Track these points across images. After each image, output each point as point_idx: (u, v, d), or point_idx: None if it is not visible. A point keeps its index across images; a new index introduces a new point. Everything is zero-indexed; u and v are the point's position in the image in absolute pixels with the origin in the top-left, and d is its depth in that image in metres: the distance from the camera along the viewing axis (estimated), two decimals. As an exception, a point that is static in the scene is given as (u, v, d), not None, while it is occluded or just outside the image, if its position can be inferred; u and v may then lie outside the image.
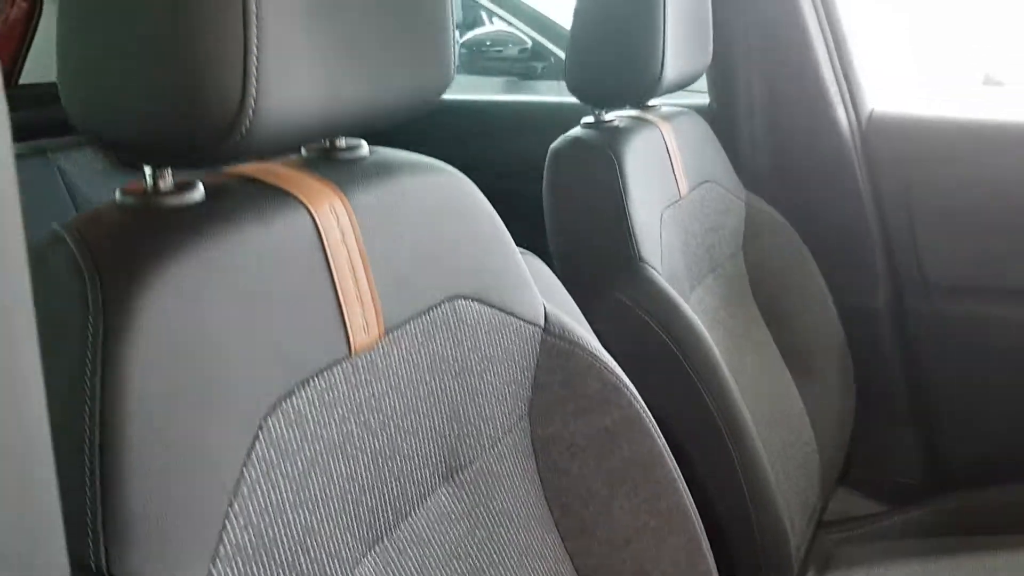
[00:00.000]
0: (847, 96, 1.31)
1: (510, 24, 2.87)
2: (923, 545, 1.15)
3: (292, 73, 0.46)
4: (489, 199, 0.67)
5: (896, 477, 1.33)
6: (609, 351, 0.73)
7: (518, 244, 0.70)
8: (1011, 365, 1.26)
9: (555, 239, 1.01)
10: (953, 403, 1.30)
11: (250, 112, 0.44)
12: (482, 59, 2.92)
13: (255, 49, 0.43)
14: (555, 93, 2.69)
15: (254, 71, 0.43)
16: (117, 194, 0.49)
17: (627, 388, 0.70)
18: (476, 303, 0.63)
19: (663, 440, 0.71)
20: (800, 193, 1.31)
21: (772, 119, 1.32)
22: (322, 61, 0.48)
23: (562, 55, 2.76)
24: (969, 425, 1.29)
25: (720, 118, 1.31)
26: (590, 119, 1.05)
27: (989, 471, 1.22)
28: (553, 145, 1.02)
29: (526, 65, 2.85)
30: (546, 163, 1.02)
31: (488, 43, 2.94)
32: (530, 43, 2.83)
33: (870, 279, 1.32)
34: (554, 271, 0.79)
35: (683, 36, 1.06)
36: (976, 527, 1.15)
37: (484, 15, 3.05)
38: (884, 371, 1.32)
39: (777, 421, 1.11)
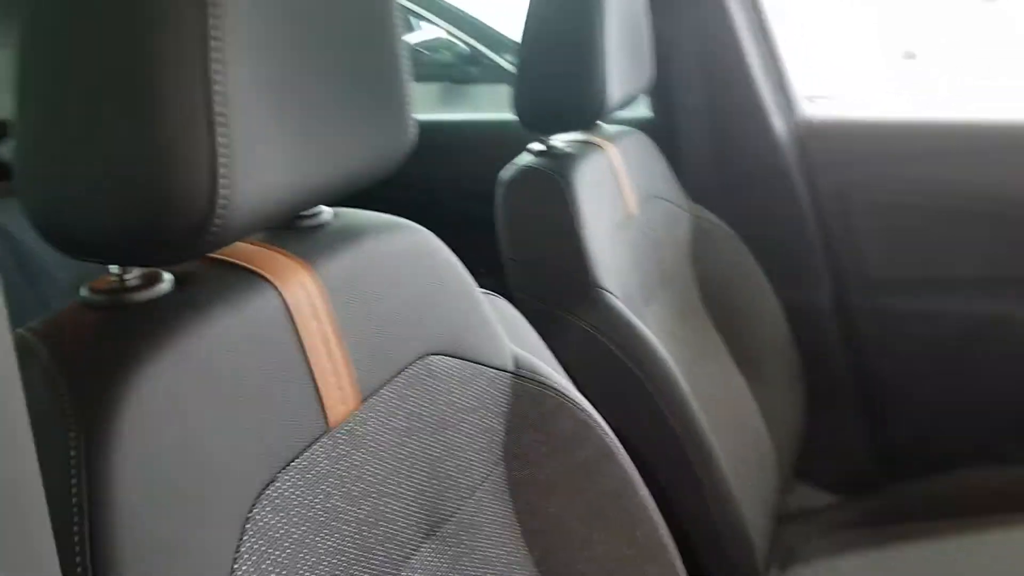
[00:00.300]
0: (781, 105, 1.35)
1: (444, 29, 2.87)
2: (878, 533, 1.20)
3: (259, 163, 0.46)
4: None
5: (849, 468, 1.38)
6: (571, 377, 0.75)
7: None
8: (951, 354, 1.32)
9: (512, 269, 1.02)
10: (899, 394, 1.36)
11: (220, 209, 0.44)
12: (416, 65, 2.91)
13: (221, 145, 0.43)
14: (492, 97, 2.70)
15: (222, 168, 0.43)
16: (83, 291, 0.48)
17: (597, 423, 0.72)
18: (447, 357, 0.64)
19: (634, 468, 0.73)
20: (742, 201, 1.35)
21: (712, 131, 1.36)
22: (288, 145, 0.48)
23: (496, 58, 2.79)
24: (916, 414, 1.35)
25: (662, 131, 1.33)
26: (537, 146, 1.06)
27: (936, 458, 1.28)
28: (502, 174, 1.03)
29: (462, 70, 2.85)
30: (497, 193, 1.03)
31: (422, 49, 2.93)
32: (465, 48, 2.84)
33: (814, 280, 1.36)
34: (512, 300, 0.81)
35: (625, 58, 1.08)
36: (926, 513, 1.20)
37: (415, 21, 3.04)
38: (832, 367, 1.37)
39: (734, 425, 1.14)
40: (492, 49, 2.78)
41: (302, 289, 0.53)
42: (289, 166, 0.48)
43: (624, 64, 1.08)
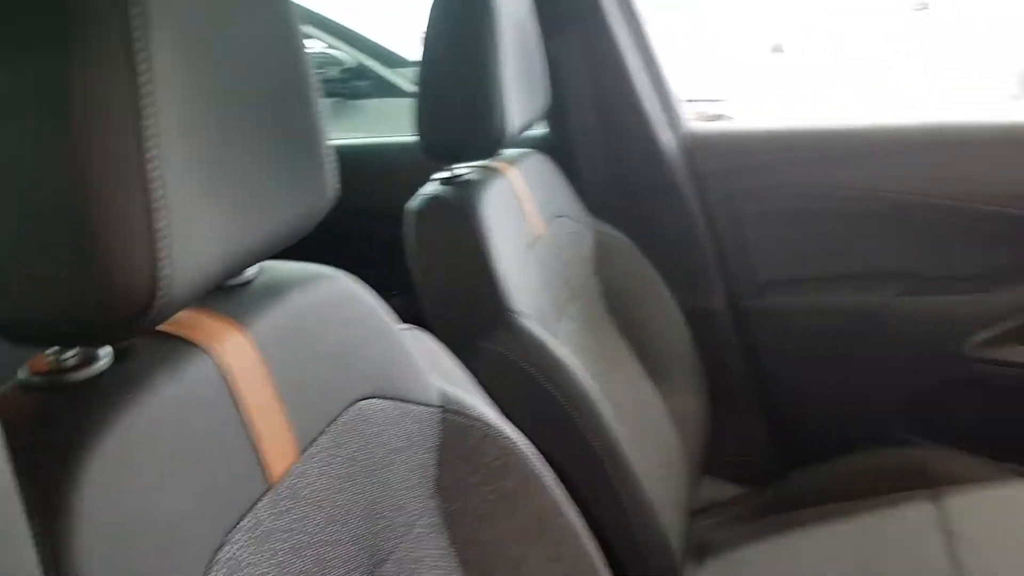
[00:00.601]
0: (669, 120, 1.42)
1: (329, 45, 2.85)
2: (779, 520, 1.27)
3: (196, 239, 0.47)
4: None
5: (752, 460, 1.46)
6: (492, 399, 0.78)
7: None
8: (838, 346, 1.41)
9: (426, 298, 1.03)
10: (794, 387, 1.45)
11: (161, 289, 0.44)
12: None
13: (159, 229, 0.44)
14: (383, 111, 2.70)
15: (162, 250, 0.44)
16: (21, 373, 0.48)
17: (522, 449, 0.75)
18: (377, 400, 0.66)
19: (561, 488, 0.77)
20: (638, 214, 1.41)
21: (605, 147, 1.41)
22: (221, 217, 0.49)
23: (386, 72, 2.79)
24: (810, 405, 1.45)
25: (559, 149, 1.38)
26: (443, 174, 1.08)
27: (832, 444, 1.37)
28: (409, 205, 1.05)
29: (351, 85, 2.83)
30: (405, 223, 1.04)
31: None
32: (352, 63, 2.82)
33: (708, 285, 1.44)
34: (428, 328, 0.83)
35: (522, 85, 1.11)
36: (826, 497, 1.29)
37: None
38: (730, 365, 1.45)
39: (644, 429, 1.20)
40: (380, 63, 2.78)
41: (236, 350, 0.54)
42: (223, 237, 0.49)
43: (522, 91, 1.11)
